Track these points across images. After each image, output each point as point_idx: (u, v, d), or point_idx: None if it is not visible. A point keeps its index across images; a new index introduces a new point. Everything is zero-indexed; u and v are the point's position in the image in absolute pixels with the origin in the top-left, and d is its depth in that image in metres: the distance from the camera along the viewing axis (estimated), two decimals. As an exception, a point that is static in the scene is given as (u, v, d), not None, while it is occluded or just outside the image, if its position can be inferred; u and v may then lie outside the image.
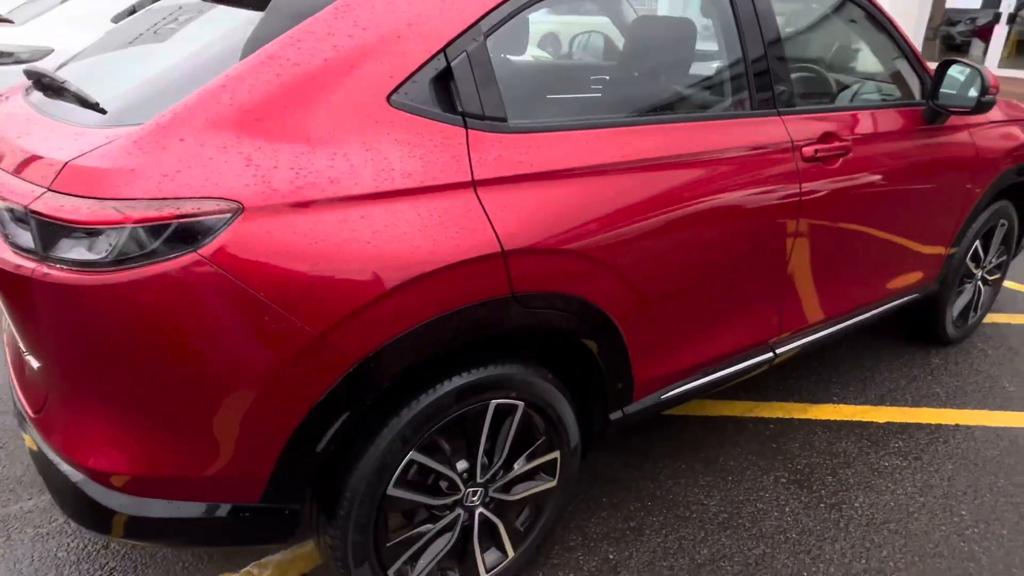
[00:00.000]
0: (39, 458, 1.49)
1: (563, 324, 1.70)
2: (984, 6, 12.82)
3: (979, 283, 3.29)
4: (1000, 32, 12.14)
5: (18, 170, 1.33)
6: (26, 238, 1.30)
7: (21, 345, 1.44)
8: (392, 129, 1.43)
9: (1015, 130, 2.99)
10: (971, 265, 3.16)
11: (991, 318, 3.62)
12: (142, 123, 1.30)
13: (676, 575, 1.98)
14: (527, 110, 1.69)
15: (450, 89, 1.51)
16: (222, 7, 1.77)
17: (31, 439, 1.53)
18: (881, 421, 2.73)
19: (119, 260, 1.22)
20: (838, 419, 2.73)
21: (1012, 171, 3.00)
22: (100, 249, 1.23)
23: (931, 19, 12.77)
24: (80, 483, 1.38)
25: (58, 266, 1.25)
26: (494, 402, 1.67)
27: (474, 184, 1.50)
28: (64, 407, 1.38)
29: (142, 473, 1.37)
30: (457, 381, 1.58)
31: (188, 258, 1.23)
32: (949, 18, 13.45)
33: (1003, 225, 3.21)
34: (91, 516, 1.41)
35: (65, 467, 1.40)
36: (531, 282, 1.58)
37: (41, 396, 1.44)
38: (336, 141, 1.37)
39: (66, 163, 1.25)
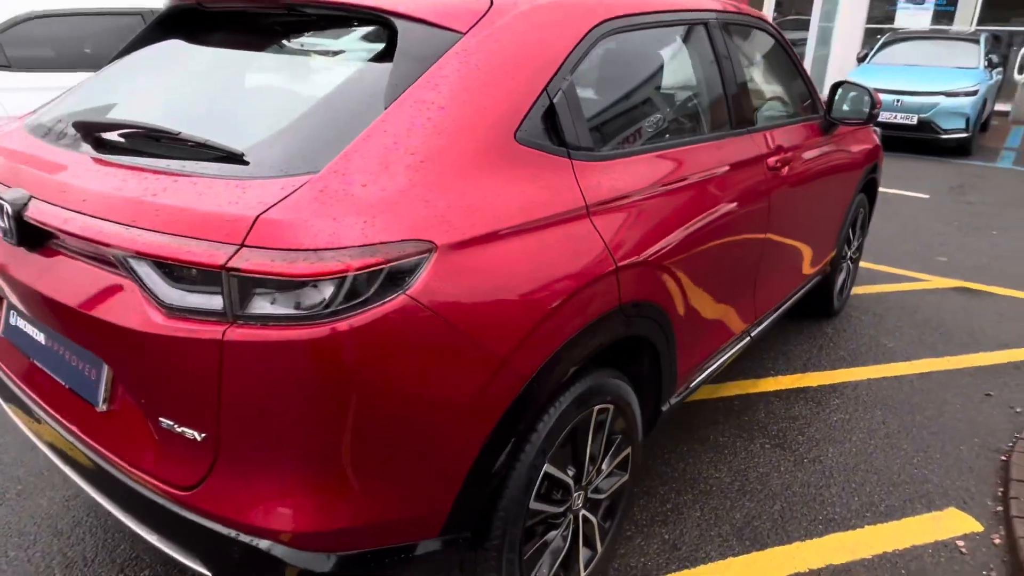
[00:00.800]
0: (184, 530, 1.38)
1: (644, 329, 1.89)
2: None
3: (849, 262, 3.98)
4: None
5: (181, 230, 1.25)
6: (202, 300, 1.23)
7: (167, 416, 1.33)
8: (523, 164, 1.54)
9: (863, 136, 3.69)
10: (846, 247, 3.83)
11: (853, 291, 4.37)
12: (310, 172, 1.29)
13: (726, 540, 2.25)
14: (604, 139, 1.86)
15: (555, 124, 1.64)
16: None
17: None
18: (815, 385, 3.23)
19: (335, 311, 1.21)
20: (782, 388, 3.19)
21: (868, 169, 3.70)
22: (311, 302, 1.21)
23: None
24: (270, 548, 1.31)
25: (257, 324, 1.20)
26: (596, 407, 1.81)
27: (587, 209, 1.65)
28: (251, 471, 1.31)
29: (344, 526, 1.33)
30: (574, 392, 1.71)
31: (399, 300, 1.25)
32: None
33: (861, 213, 3.92)
34: None
35: (244, 537, 1.32)
36: (631, 294, 1.76)
37: (196, 468, 1.34)
38: (486, 177, 1.45)
39: (257, 217, 1.21)
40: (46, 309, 1.54)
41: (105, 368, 1.47)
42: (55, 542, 2.16)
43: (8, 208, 1.48)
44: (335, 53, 1.73)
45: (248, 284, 1.20)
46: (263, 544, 1.31)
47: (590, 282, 1.60)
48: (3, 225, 1.53)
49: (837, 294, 3.90)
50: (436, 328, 1.30)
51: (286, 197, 1.25)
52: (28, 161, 1.63)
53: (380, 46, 1.60)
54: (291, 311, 1.21)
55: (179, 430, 1.33)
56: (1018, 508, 2.32)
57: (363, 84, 1.51)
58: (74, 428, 1.56)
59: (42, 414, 1.66)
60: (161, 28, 1.98)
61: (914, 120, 9.29)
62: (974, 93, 9.10)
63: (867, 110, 2.97)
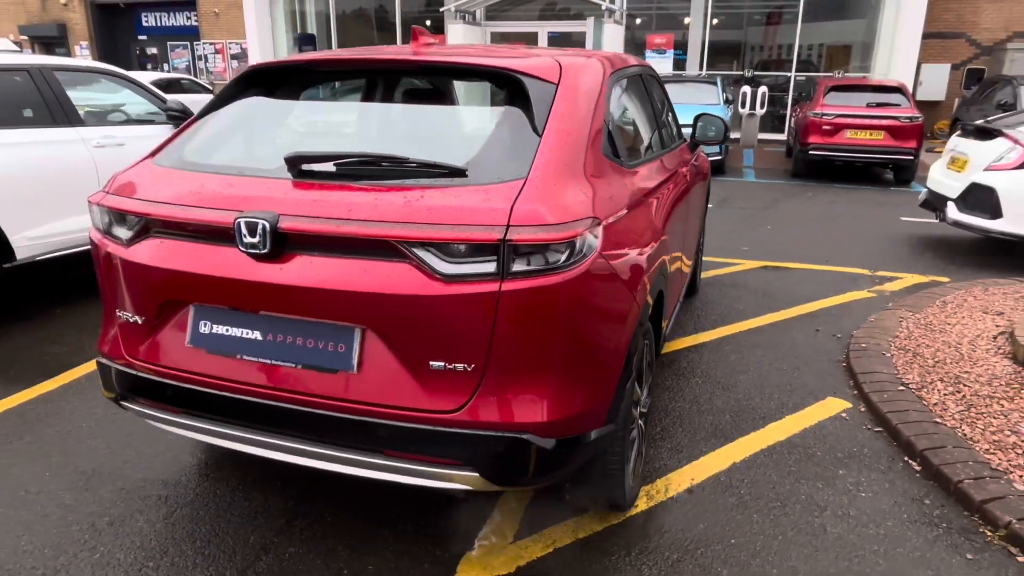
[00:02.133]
0: (452, 445, 1.87)
1: (662, 286, 2.69)
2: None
3: (700, 251, 5.18)
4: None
5: (455, 221, 1.79)
6: (476, 267, 1.79)
7: (438, 359, 1.84)
8: (608, 170, 2.27)
9: (702, 157, 4.91)
10: (702, 238, 5.00)
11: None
12: (521, 177, 1.91)
13: (707, 440, 3.10)
14: (627, 152, 2.63)
15: (612, 141, 2.40)
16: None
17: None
18: (708, 340, 4.28)
19: (568, 264, 1.84)
20: (689, 345, 4.19)
21: (709, 180, 4.92)
22: (554, 259, 1.82)
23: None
24: (522, 436, 1.86)
25: (520, 278, 1.79)
26: (645, 341, 2.57)
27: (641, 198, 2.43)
28: (512, 385, 1.85)
29: (561, 418, 1.93)
30: (644, 326, 2.45)
31: (595, 254, 1.92)
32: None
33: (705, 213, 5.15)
34: (537, 468, 1.89)
35: (506, 433, 1.86)
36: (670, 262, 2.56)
37: (461, 394, 1.86)
38: (600, 178, 2.16)
39: (512, 207, 1.81)
40: (291, 302, 1.92)
41: (357, 337, 1.91)
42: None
43: (265, 224, 1.87)
44: (471, 96, 2.32)
45: (515, 251, 1.79)
46: (518, 435, 1.87)
47: (658, 245, 2.37)
48: (252, 240, 1.90)
49: (699, 277, 5.06)
50: (610, 272, 1.98)
51: (520, 192, 1.86)
52: (237, 187, 2.00)
53: (506, 93, 2.23)
54: (542, 267, 1.82)
55: (449, 367, 1.85)
56: (867, 387, 3.48)
57: (515, 118, 2.13)
58: (314, 397, 1.95)
59: (258, 400, 2.00)
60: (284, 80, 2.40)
61: (682, 147, 11.38)
62: (721, 124, 11.42)
63: (721, 134, 4.11)
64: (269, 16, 18.99)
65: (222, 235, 1.96)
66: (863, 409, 3.41)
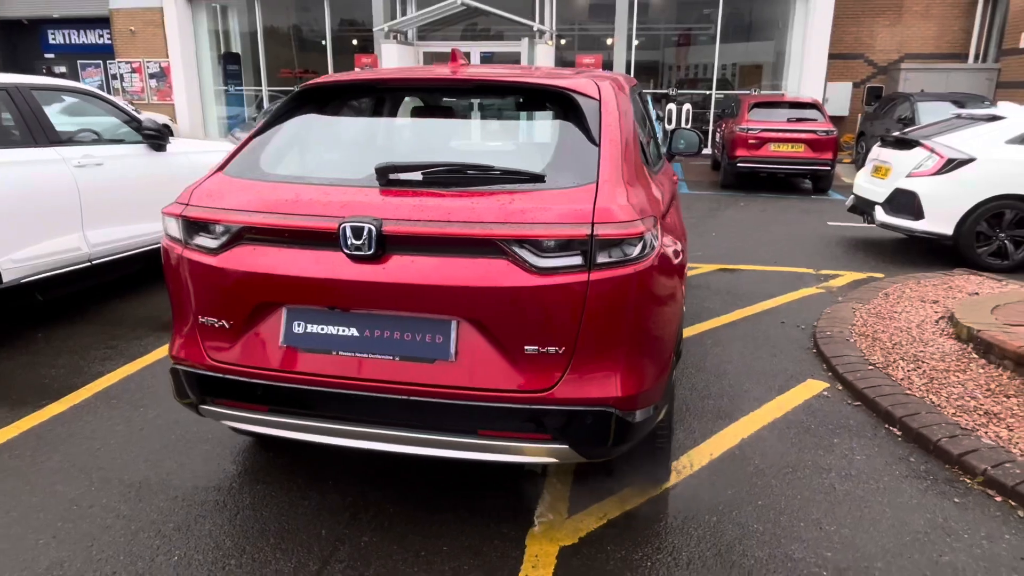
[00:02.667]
0: (543, 421, 2.09)
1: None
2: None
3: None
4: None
5: (545, 220, 2.02)
6: (566, 261, 2.03)
7: (532, 343, 2.05)
8: (645, 175, 2.55)
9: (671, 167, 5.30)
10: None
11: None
12: (592, 182, 2.16)
13: (713, 422, 3.42)
14: (648, 161, 2.93)
15: (642, 151, 2.69)
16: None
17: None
18: (691, 335, 4.63)
19: (639, 257, 2.10)
20: (688, 336, 4.49)
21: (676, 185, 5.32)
22: (630, 253, 2.08)
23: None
24: (606, 409, 2.10)
25: (604, 269, 2.04)
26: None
27: (671, 198, 2.73)
28: (595, 365, 2.09)
29: (634, 393, 2.18)
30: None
31: (658, 247, 2.19)
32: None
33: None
34: (617, 437, 2.13)
35: (593, 408, 2.09)
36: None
37: (552, 374, 2.08)
38: (643, 182, 2.44)
39: (594, 207, 2.06)
40: (390, 299, 2.09)
41: (454, 328, 2.10)
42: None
43: (371, 228, 2.04)
44: (518, 111, 2.55)
45: (600, 245, 2.04)
46: (604, 409, 2.11)
47: (686, 242, 2.67)
48: (357, 242, 2.06)
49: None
50: (667, 264, 2.26)
51: (596, 195, 2.11)
52: (333, 195, 2.16)
53: (556, 108, 2.48)
54: (620, 259, 2.07)
55: (542, 350, 2.07)
56: (841, 369, 3.90)
57: (570, 130, 2.38)
58: (411, 385, 2.12)
59: (353, 393, 2.16)
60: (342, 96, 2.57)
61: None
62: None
63: (694, 147, 4.43)
64: (192, 35, 18.57)
65: (323, 239, 2.12)
66: (840, 388, 3.82)
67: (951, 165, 6.27)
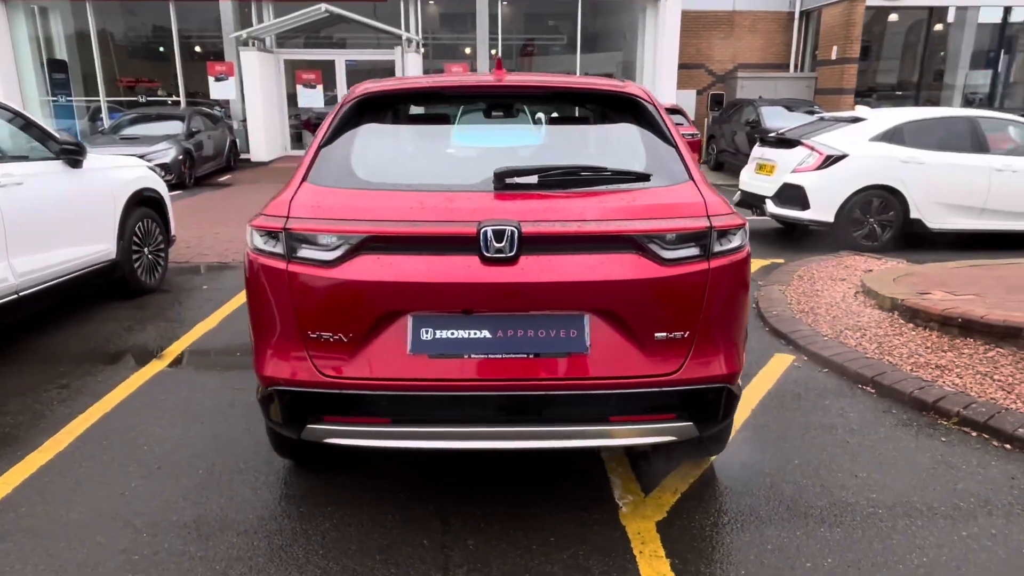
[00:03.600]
0: (670, 402, 2.25)
1: None
2: (328, 103, 16.63)
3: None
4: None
5: (668, 215, 2.19)
6: (688, 251, 2.21)
7: (661, 330, 2.21)
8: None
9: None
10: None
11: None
12: (689, 179, 2.36)
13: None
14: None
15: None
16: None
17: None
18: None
19: (741, 246, 2.32)
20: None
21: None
22: (736, 242, 2.30)
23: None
24: (727, 387, 2.31)
25: (719, 257, 2.25)
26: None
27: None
28: (711, 346, 2.28)
29: (736, 370, 2.40)
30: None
31: (747, 237, 2.43)
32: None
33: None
34: (725, 411, 2.34)
35: (714, 385, 2.29)
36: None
37: (677, 358, 2.25)
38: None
39: (705, 202, 2.26)
40: (525, 299, 2.15)
41: (587, 322, 2.21)
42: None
43: (513, 230, 2.09)
44: (583, 116, 2.68)
45: (717, 235, 2.24)
46: (722, 386, 2.31)
47: None
48: (499, 245, 2.10)
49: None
50: (749, 252, 2.50)
51: (700, 190, 2.31)
52: (457, 201, 2.18)
53: (621, 112, 2.64)
54: (728, 248, 2.28)
55: (670, 336, 2.23)
56: (802, 342, 4.40)
57: (648, 131, 2.55)
58: (546, 381, 2.20)
59: (487, 394, 2.20)
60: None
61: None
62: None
63: None
64: (9, 40, 16.51)
65: (457, 244, 2.14)
66: (806, 359, 4.31)
67: (829, 161, 7.19)
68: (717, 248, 2.25)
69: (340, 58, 16.89)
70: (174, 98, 17.55)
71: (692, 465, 3.06)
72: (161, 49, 18.40)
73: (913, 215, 7.25)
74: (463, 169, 2.45)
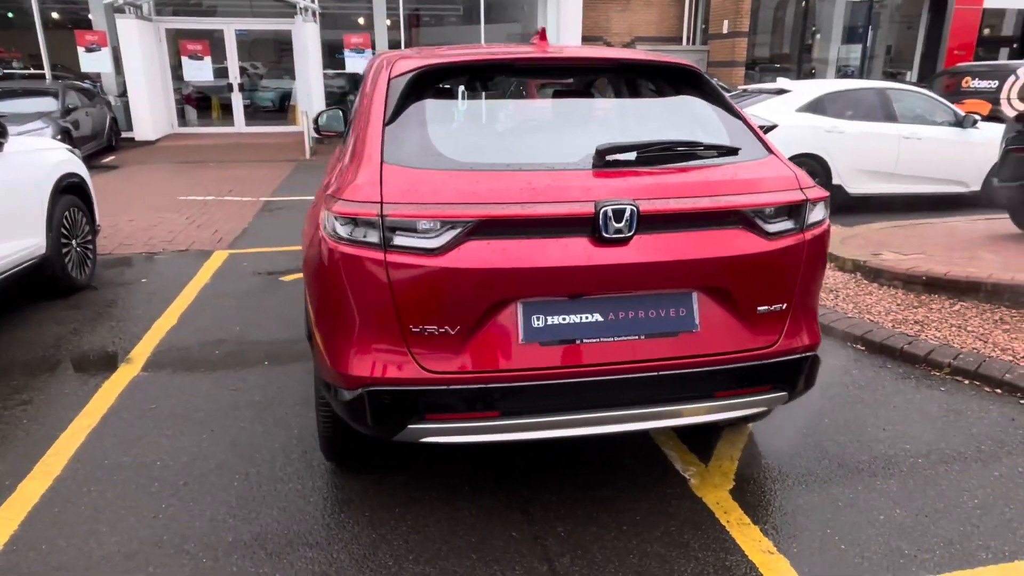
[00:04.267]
0: (769, 374, 2.28)
1: None
2: (218, 76, 15.51)
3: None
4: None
5: (769, 189, 2.19)
6: (786, 224, 2.24)
7: (764, 304, 2.22)
8: None
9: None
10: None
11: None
12: (770, 153, 2.38)
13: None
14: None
15: None
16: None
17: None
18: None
19: (825, 215, 2.36)
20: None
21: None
22: (823, 212, 2.33)
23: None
24: (816, 355, 2.37)
25: (810, 229, 2.28)
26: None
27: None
28: (802, 315, 2.32)
29: (815, 342, 2.46)
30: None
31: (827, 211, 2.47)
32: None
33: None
34: (813, 375, 2.40)
35: (807, 354, 2.34)
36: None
37: (775, 331, 2.27)
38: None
39: (796, 176, 2.28)
40: (637, 279, 2.09)
41: (695, 299, 2.18)
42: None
43: (632, 209, 2.02)
44: (654, 91, 2.62)
45: (809, 208, 2.27)
46: (813, 354, 2.37)
47: None
48: (618, 225, 2.02)
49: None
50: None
51: (785, 164, 2.33)
52: (565, 180, 2.08)
53: (680, 85, 2.60)
54: (817, 220, 2.31)
55: (771, 309, 2.26)
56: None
57: (714, 105, 2.53)
58: (657, 361, 2.16)
59: (600, 379, 2.13)
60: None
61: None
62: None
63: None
64: None
65: (572, 226, 2.04)
66: (790, 320, 4.53)
67: (763, 131, 7.51)
68: (810, 220, 2.29)
69: (229, 27, 15.70)
70: (37, 71, 15.72)
71: (734, 432, 3.14)
72: (11, 15, 16.40)
73: (835, 181, 7.75)
74: (555, 146, 2.33)
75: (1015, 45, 20.25)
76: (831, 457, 2.95)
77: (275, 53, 19.74)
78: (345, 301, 2.11)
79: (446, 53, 2.58)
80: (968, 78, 12.93)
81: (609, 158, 2.17)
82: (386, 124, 2.28)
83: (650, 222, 2.10)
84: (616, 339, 2.16)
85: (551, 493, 2.69)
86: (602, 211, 2.03)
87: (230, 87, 16.10)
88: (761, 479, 2.79)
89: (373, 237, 2.04)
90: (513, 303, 2.09)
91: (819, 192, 2.31)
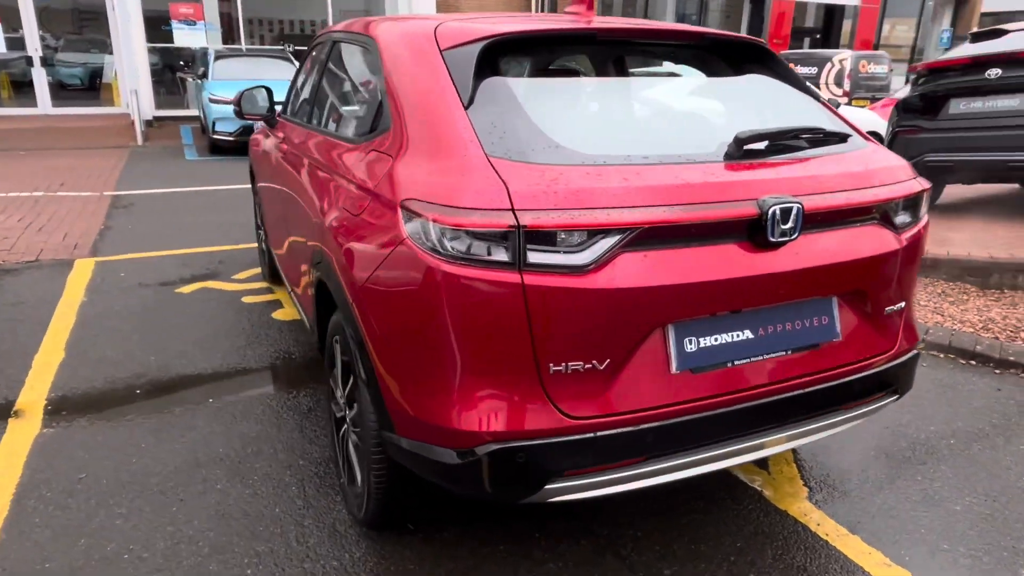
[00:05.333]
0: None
1: None
2: (12, 47, 13.20)
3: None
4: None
5: (891, 181, 2.00)
6: (906, 218, 2.07)
7: (889, 305, 2.05)
8: None
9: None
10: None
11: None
12: (868, 141, 2.20)
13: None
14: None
15: None
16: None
17: None
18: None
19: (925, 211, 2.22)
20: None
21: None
22: (924, 205, 2.19)
23: None
24: (920, 354, 2.25)
25: (922, 222, 2.14)
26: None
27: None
28: (909, 314, 2.17)
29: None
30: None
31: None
32: None
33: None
34: (915, 375, 2.28)
35: (914, 353, 2.20)
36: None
37: (896, 326, 2.12)
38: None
39: (909, 165, 2.12)
40: (786, 287, 1.82)
41: (835, 306, 1.96)
42: None
43: (798, 207, 1.73)
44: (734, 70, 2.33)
45: (924, 199, 2.12)
46: (917, 352, 2.24)
47: None
48: (786, 227, 1.72)
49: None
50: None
51: (891, 153, 2.16)
52: (717, 175, 1.75)
53: (758, 64, 2.35)
54: (924, 210, 2.17)
55: (894, 309, 2.09)
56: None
57: (791, 85, 2.28)
58: (806, 376, 1.92)
59: (746, 405, 1.85)
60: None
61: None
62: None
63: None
64: None
65: (729, 230, 1.73)
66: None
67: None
68: (922, 211, 2.15)
69: (23, -9, 13.23)
70: None
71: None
72: None
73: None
74: (673, 133, 1.98)
75: (818, 36, 22.58)
76: (876, 448, 2.91)
77: (74, 24, 17.05)
78: (454, 335, 1.64)
79: (502, 21, 2.12)
80: (792, 64, 14.16)
81: (747, 148, 1.87)
82: (467, 107, 1.81)
83: (810, 221, 1.83)
84: (765, 357, 1.88)
85: (630, 528, 2.38)
86: (770, 211, 1.72)
87: (29, 61, 13.65)
88: (829, 481, 2.67)
89: (502, 254, 1.58)
90: (665, 325, 1.74)
91: (925, 184, 2.18)
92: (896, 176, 2.06)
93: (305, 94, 3.11)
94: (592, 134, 1.89)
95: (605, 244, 1.61)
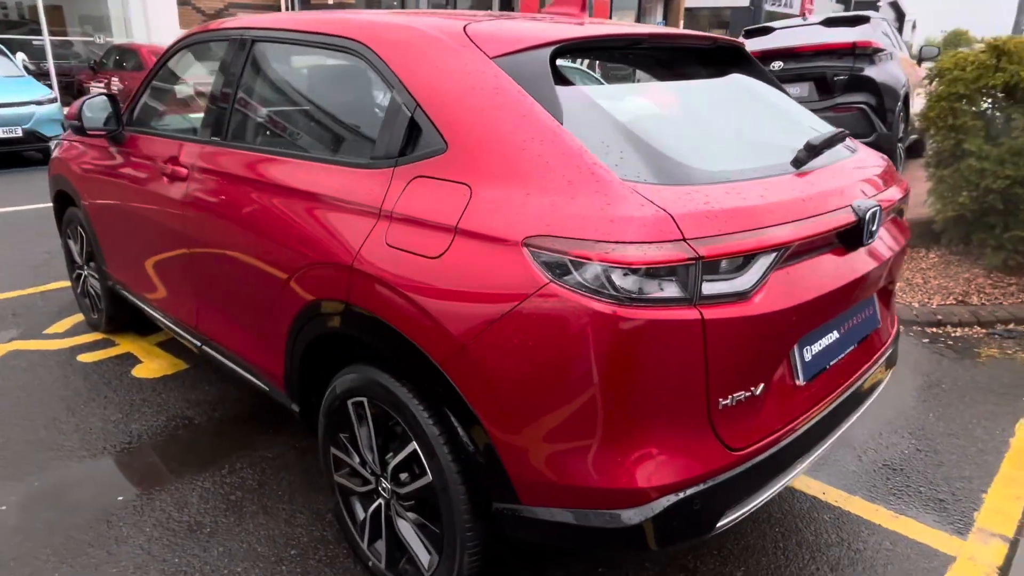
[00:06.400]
0: None
1: None
2: None
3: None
4: None
5: (895, 177, 2.20)
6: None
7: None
8: None
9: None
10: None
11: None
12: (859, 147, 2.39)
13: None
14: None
15: None
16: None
17: None
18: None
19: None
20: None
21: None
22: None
23: None
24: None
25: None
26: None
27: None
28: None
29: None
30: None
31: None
32: None
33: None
34: None
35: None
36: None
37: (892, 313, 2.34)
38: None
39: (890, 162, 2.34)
40: (866, 285, 1.91)
41: (875, 297, 2.11)
42: None
43: (877, 211, 1.80)
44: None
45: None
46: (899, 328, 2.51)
47: None
48: (874, 229, 1.78)
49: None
50: None
51: (877, 153, 2.37)
52: (816, 183, 1.76)
53: (742, 66, 2.41)
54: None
55: (893, 291, 2.31)
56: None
57: (773, 86, 2.39)
58: (867, 366, 2.04)
59: (833, 404, 1.92)
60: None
61: (19, 132, 9.01)
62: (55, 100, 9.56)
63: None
64: None
65: (834, 239, 1.78)
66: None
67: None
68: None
69: None
70: None
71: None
72: None
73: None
74: (742, 142, 1.93)
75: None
76: (888, 459, 3.18)
77: None
78: (623, 384, 1.46)
79: (538, 25, 1.91)
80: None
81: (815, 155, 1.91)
82: (563, 122, 1.61)
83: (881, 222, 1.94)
84: (844, 354, 1.96)
85: (717, 564, 2.27)
86: (866, 215, 1.78)
87: None
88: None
89: (674, 289, 1.44)
90: (800, 339, 1.73)
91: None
92: (896, 173, 2.27)
93: (214, 106, 2.52)
94: (693, 148, 1.79)
95: (762, 266, 1.55)
